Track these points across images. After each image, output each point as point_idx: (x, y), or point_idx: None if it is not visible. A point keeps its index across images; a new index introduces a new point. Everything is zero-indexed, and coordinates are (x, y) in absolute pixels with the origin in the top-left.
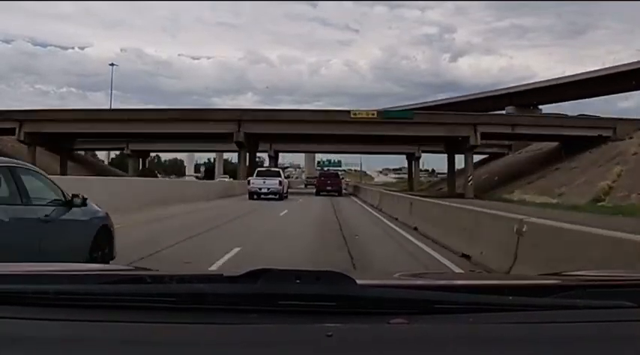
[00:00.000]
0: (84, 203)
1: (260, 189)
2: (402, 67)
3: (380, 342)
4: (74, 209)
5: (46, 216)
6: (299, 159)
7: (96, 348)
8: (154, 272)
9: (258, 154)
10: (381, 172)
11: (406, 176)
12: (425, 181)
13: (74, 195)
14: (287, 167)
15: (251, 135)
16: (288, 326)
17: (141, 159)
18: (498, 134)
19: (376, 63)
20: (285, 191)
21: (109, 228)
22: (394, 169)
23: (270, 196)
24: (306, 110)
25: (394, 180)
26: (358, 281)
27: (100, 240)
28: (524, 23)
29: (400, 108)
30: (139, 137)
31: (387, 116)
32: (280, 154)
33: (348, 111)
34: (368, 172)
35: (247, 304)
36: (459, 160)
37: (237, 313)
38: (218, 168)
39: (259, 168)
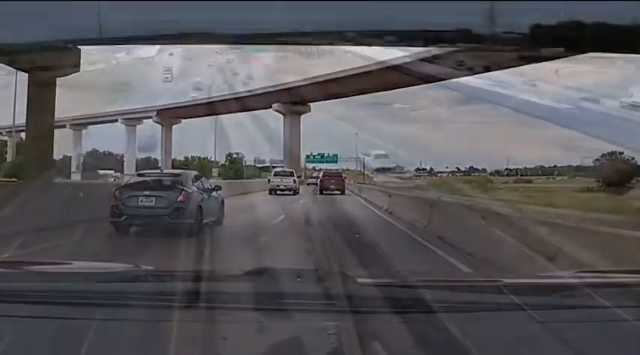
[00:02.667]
0: (219, 189)
1: (278, 186)
2: None
3: (380, 340)
4: (214, 192)
5: (209, 195)
6: (277, 152)
7: (96, 346)
8: (155, 270)
9: None
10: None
11: (408, 176)
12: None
13: (215, 186)
14: (267, 166)
15: None
16: (290, 324)
17: None
18: None
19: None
20: (297, 187)
21: (223, 202)
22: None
23: (286, 192)
24: None
25: (401, 180)
26: (359, 280)
27: (221, 208)
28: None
29: None
30: None
31: None
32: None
33: None
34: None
35: (249, 302)
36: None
37: (239, 311)
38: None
39: (276, 169)
